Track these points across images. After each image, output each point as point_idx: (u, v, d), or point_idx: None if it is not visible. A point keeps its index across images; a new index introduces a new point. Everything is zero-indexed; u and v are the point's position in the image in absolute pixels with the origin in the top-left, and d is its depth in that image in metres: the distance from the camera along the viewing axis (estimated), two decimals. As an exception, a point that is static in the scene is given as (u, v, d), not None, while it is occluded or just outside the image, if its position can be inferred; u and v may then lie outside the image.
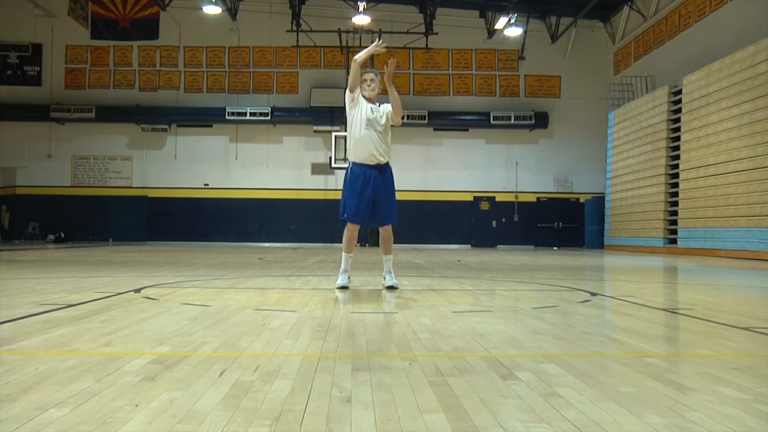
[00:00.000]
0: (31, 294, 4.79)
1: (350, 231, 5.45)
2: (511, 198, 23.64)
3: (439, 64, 23.70)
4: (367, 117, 5.28)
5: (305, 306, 4.25)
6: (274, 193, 23.16)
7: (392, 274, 5.58)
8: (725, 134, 14.76)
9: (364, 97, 5.37)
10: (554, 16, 22.09)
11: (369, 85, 5.38)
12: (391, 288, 5.45)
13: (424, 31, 22.11)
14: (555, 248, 22.24)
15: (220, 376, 2.19)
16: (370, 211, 5.32)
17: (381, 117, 5.34)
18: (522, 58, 23.37)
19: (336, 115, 22.35)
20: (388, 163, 5.43)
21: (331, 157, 21.27)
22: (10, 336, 2.96)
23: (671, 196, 17.53)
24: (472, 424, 1.69)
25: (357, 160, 5.32)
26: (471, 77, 23.74)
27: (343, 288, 5.41)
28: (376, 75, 5.49)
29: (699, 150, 15.85)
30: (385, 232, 5.51)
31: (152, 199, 22.87)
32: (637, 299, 5.00)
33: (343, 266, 5.50)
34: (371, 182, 5.26)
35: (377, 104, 5.42)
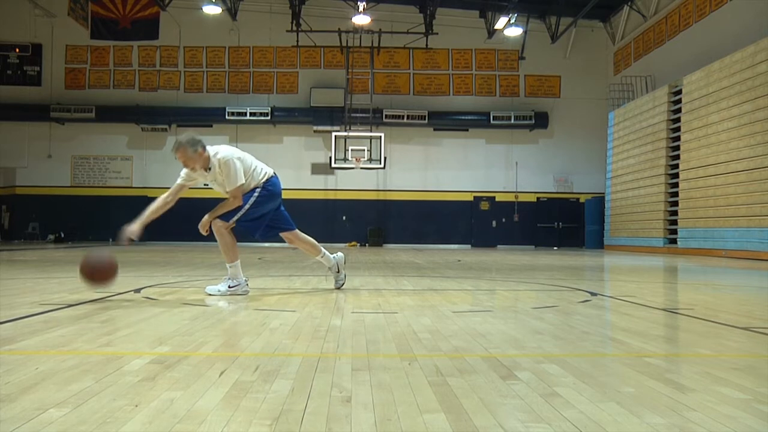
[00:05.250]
0: (31, 294, 4.79)
1: (291, 244, 5.38)
2: (511, 198, 23.63)
3: (439, 64, 23.69)
4: (214, 187, 4.99)
5: (305, 306, 4.25)
6: (274, 193, 23.15)
7: (226, 282, 4.89)
8: (725, 134, 14.76)
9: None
10: (554, 16, 22.07)
11: (190, 167, 4.86)
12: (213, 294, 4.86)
13: (424, 31, 22.10)
14: (555, 248, 22.23)
15: (220, 376, 2.19)
16: (266, 228, 5.11)
17: (219, 186, 4.92)
18: (522, 58, 23.35)
19: (336, 115, 22.35)
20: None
21: (331, 157, 21.27)
22: (10, 336, 2.96)
23: (671, 196, 17.53)
24: (472, 424, 1.69)
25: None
26: (471, 77, 23.74)
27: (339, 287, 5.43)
28: (185, 146, 4.73)
29: (699, 150, 15.84)
30: (215, 228, 4.93)
31: (152, 199, 22.76)
32: (637, 299, 5.00)
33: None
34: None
35: (208, 168, 4.83)
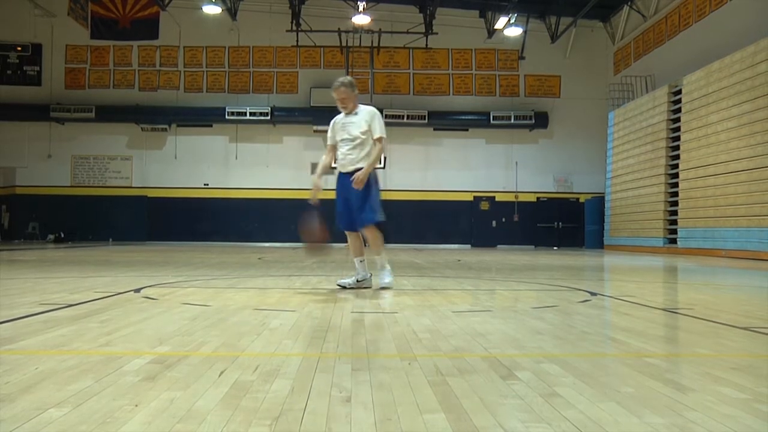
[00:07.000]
0: (31, 294, 4.79)
1: (348, 236, 5.60)
2: (511, 198, 23.63)
3: (439, 64, 23.69)
4: (341, 136, 5.62)
5: (305, 306, 4.25)
6: (274, 193, 23.14)
7: (387, 271, 5.48)
8: (725, 134, 14.75)
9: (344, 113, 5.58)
10: (554, 15, 22.07)
11: (344, 105, 5.54)
12: (384, 288, 5.38)
13: (424, 31, 22.10)
14: (555, 248, 22.23)
15: (219, 376, 2.19)
16: (349, 215, 5.49)
17: (355, 128, 5.47)
18: (522, 58, 23.35)
19: (336, 115, 22.34)
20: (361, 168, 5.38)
21: (331, 157, 21.29)
22: (10, 336, 2.96)
23: (671, 196, 17.53)
24: (472, 424, 1.69)
25: (339, 169, 5.69)
26: (471, 77, 23.73)
27: (343, 287, 5.44)
28: (347, 86, 5.48)
29: (699, 150, 15.84)
30: (367, 233, 5.47)
31: (152, 199, 22.84)
32: (637, 299, 5.00)
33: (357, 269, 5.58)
34: (344, 188, 5.54)
35: (355, 113, 5.52)
